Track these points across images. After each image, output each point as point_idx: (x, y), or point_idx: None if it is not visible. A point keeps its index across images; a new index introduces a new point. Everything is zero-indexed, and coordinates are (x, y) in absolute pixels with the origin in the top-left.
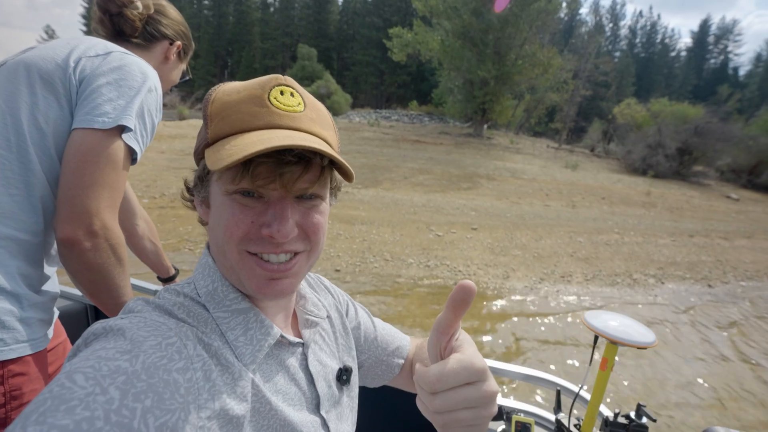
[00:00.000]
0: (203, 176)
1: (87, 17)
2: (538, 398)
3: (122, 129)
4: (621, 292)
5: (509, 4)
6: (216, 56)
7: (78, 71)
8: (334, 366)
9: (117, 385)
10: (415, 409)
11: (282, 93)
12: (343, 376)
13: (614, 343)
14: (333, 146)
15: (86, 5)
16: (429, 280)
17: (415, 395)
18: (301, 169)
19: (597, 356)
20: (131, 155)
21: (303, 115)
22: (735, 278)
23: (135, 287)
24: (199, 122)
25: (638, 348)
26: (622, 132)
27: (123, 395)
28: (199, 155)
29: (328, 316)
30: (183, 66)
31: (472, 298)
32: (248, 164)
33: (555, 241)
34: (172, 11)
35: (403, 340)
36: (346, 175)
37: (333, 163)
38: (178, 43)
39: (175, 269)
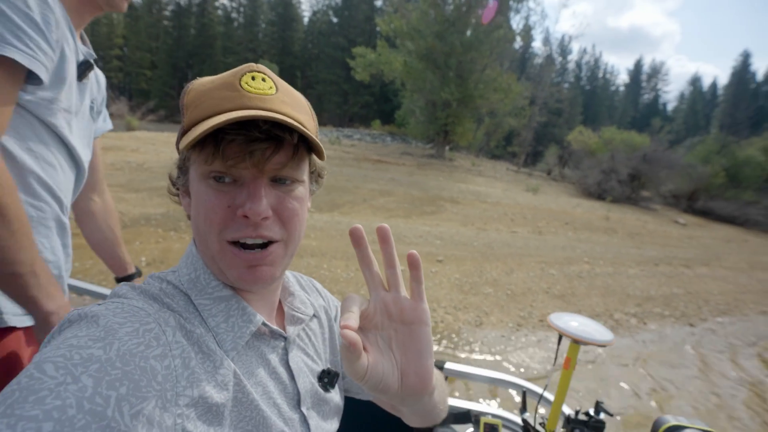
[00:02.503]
0: (182, 165)
1: None
2: None
3: None
4: None
5: (495, 15)
6: (174, 68)
7: None
8: (317, 367)
9: (90, 373)
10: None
11: (253, 78)
12: (324, 378)
13: (576, 342)
14: (309, 129)
15: None
16: None
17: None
18: (272, 148)
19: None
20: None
21: (274, 97)
22: (711, 314)
23: (74, 288)
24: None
25: (599, 346)
26: (576, 157)
27: (96, 383)
28: (178, 144)
29: (316, 316)
30: None
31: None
32: (218, 144)
33: (527, 274)
34: None
35: None
36: (318, 153)
37: (308, 146)
38: None
39: (137, 269)
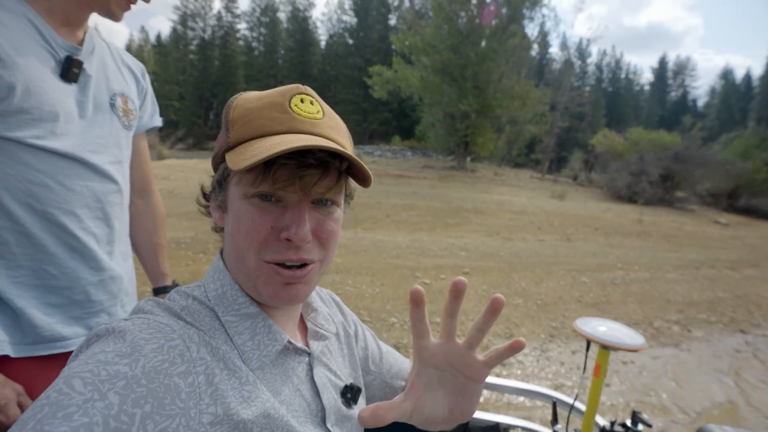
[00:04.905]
0: (222, 180)
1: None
2: None
3: None
4: (649, 350)
5: (494, 17)
6: (201, 98)
7: None
8: (340, 383)
9: (116, 391)
10: None
11: (302, 101)
12: (347, 393)
13: (606, 348)
14: (350, 152)
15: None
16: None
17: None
18: (319, 174)
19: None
20: None
21: (322, 122)
22: (764, 319)
23: None
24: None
25: (629, 351)
26: (603, 161)
27: (122, 401)
28: (219, 159)
29: (337, 333)
30: None
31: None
32: (269, 167)
33: (557, 283)
34: None
35: (404, 363)
36: (365, 181)
37: (348, 171)
38: None
39: (174, 282)
